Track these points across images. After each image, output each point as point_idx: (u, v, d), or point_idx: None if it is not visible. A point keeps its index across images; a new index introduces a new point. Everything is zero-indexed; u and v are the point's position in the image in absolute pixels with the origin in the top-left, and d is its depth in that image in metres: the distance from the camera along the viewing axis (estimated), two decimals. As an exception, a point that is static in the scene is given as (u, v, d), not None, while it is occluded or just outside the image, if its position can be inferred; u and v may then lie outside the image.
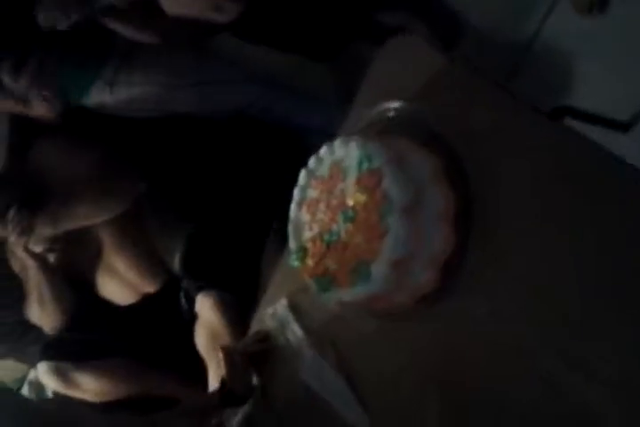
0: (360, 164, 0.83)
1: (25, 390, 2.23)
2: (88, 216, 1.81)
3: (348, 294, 0.83)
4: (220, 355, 1.07)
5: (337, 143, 0.89)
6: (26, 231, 1.69)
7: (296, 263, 0.91)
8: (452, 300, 0.80)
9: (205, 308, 1.64)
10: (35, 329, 1.97)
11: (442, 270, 0.81)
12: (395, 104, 0.93)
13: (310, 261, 0.88)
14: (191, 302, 1.73)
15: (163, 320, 1.88)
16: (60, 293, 1.87)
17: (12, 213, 1.69)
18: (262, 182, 1.76)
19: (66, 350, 1.83)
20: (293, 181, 0.96)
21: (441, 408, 0.77)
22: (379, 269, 0.79)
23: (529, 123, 0.78)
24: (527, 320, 0.70)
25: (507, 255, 0.76)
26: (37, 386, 2.17)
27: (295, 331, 1.02)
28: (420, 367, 0.82)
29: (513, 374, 0.70)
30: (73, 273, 1.93)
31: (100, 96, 1.75)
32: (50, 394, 1.98)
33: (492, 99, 0.84)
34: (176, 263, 1.72)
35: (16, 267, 1.95)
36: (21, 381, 2.29)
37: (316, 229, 0.89)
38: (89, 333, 1.88)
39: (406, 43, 0.95)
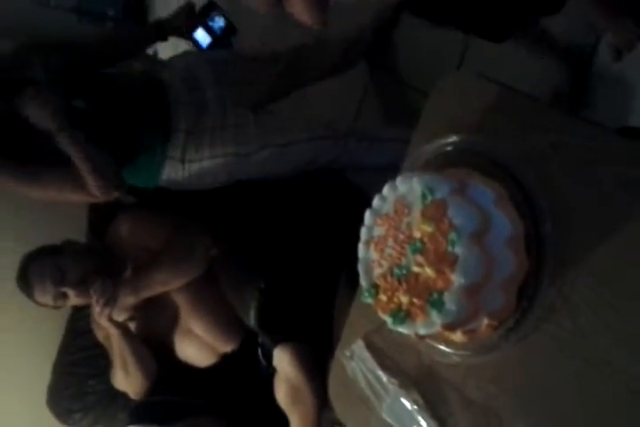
0: (423, 197, 0.85)
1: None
2: (167, 283, 1.86)
3: (424, 325, 0.82)
4: None
5: (399, 180, 0.91)
6: (110, 302, 1.76)
7: (369, 300, 0.91)
8: (532, 323, 0.79)
9: (283, 362, 1.64)
10: (122, 396, 2.02)
11: (517, 295, 0.80)
12: (452, 139, 0.95)
13: (383, 297, 0.89)
14: (269, 358, 1.74)
15: (243, 378, 1.89)
16: (142, 359, 1.91)
17: (96, 284, 1.76)
18: (328, 232, 1.78)
19: (152, 413, 1.86)
20: (358, 228, 0.98)
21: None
22: (452, 297, 0.79)
23: (587, 139, 0.79)
24: (613, 333, 0.68)
25: (584, 272, 0.75)
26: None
27: (375, 371, 1.01)
28: (510, 396, 0.80)
29: (605, 391, 0.68)
30: (152, 339, 1.98)
31: (172, 174, 1.77)
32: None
33: (549, 122, 0.84)
34: (251, 319, 1.74)
35: (100, 336, 2.02)
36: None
37: (385, 265, 0.90)
38: (173, 395, 1.91)
39: (459, 77, 0.97)
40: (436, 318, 0.80)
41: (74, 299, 1.81)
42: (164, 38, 1.92)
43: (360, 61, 2.16)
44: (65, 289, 1.78)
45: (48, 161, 1.61)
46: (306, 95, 2.13)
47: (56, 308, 1.86)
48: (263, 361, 1.81)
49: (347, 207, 1.74)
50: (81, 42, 1.79)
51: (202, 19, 1.92)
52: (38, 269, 1.81)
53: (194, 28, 1.91)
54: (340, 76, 2.09)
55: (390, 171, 0.99)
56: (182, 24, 1.90)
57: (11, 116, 1.58)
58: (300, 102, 2.08)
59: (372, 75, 2.24)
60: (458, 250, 0.78)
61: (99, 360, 2.10)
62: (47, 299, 1.81)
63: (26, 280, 1.82)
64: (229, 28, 1.95)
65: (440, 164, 0.95)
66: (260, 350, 1.84)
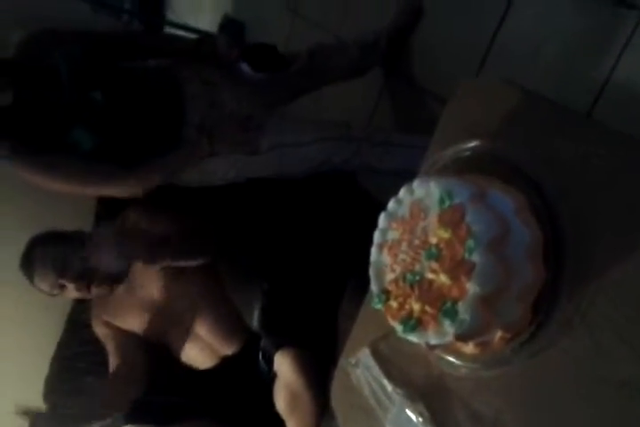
0: (441, 201, 0.82)
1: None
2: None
3: (436, 335, 0.79)
4: None
5: (415, 184, 0.88)
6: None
7: (379, 306, 0.88)
8: (548, 337, 0.76)
9: (284, 367, 1.61)
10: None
11: (533, 306, 0.77)
12: (472, 144, 0.92)
13: (394, 303, 0.86)
14: (270, 363, 1.71)
15: (242, 382, 1.85)
16: (135, 357, 1.88)
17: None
18: (337, 237, 1.76)
19: (149, 413, 1.82)
20: (368, 234, 0.95)
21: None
22: (467, 307, 0.76)
23: (614, 150, 0.76)
24: (633, 352, 0.65)
25: (605, 286, 0.72)
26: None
27: (380, 380, 0.98)
28: (519, 412, 0.77)
29: (621, 412, 0.65)
30: (154, 339, 1.95)
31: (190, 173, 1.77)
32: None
33: (573, 130, 0.82)
34: (255, 321, 1.71)
35: (98, 333, 2.00)
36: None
37: (398, 270, 0.87)
38: (171, 396, 1.88)
39: (480, 82, 0.95)
40: (448, 327, 0.77)
41: (72, 292, 1.79)
42: (199, 56, 1.87)
43: (377, 65, 2.14)
44: (64, 281, 1.76)
45: (66, 153, 1.60)
46: (321, 98, 2.11)
47: (52, 295, 1.83)
48: (264, 366, 1.77)
49: (356, 211, 1.72)
50: (106, 36, 1.77)
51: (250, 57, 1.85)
52: (42, 255, 1.78)
53: (237, 59, 1.85)
54: (355, 80, 2.08)
55: (402, 176, 0.97)
56: (223, 49, 1.88)
57: (30, 104, 1.57)
58: (316, 105, 2.06)
59: (387, 79, 2.22)
60: (475, 258, 0.75)
61: (98, 356, 2.07)
62: (45, 286, 1.78)
63: (29, 264, 1.79)
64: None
65: (458, 169, 0.92)
66: (260, 355, 1.81)
